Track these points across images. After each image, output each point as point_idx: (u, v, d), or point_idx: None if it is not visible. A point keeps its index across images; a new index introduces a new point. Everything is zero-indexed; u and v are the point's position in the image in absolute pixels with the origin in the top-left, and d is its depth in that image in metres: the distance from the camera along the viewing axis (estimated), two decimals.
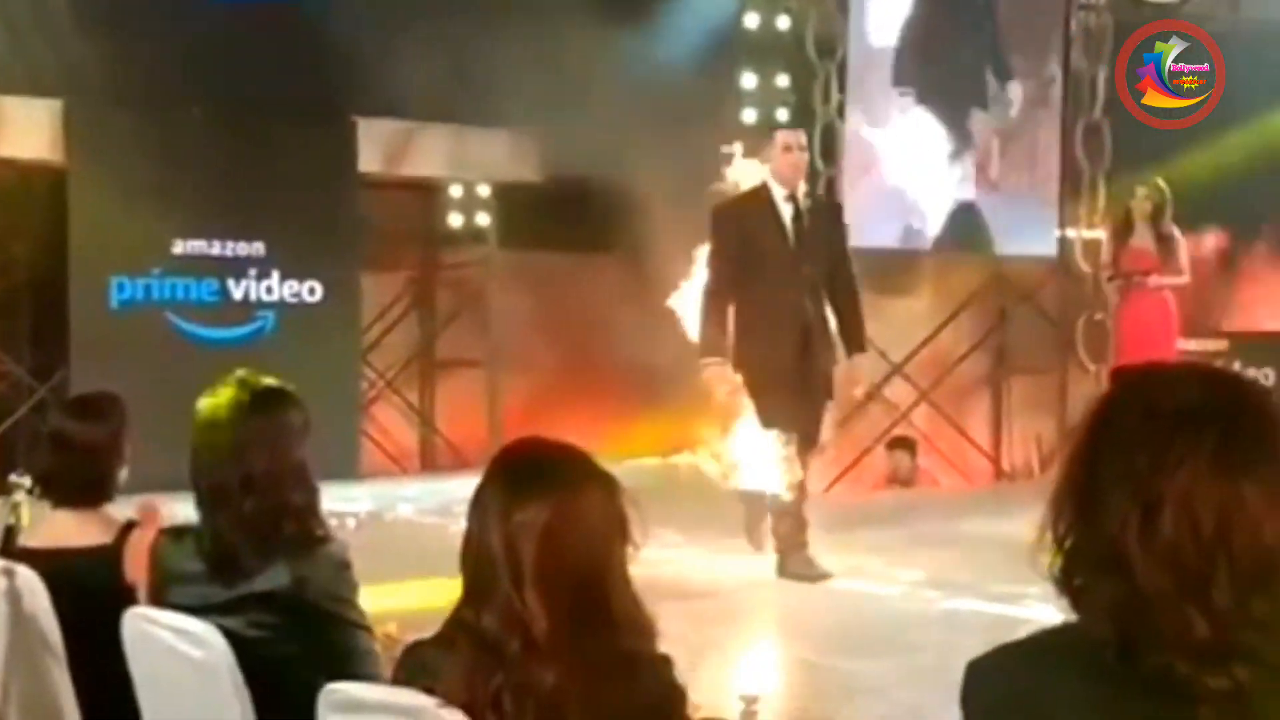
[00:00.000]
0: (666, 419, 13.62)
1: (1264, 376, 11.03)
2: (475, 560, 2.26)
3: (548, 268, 12.49)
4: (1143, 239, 10.15)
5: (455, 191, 12.57)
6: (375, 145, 11.60)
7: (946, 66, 11.40)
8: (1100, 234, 11.14)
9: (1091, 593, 1.63)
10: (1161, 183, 9.54)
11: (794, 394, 7.20)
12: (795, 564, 7.27)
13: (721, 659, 5.65)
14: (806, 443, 7.31)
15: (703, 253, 7.80)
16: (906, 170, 11.34)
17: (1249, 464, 1.58)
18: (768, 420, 7.25)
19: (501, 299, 12.41)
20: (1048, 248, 11.68)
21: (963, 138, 11.52)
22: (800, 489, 7.34)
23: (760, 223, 7.33)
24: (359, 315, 11.70)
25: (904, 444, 11.12)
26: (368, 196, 11.57)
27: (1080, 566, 1.64)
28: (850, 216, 11.16)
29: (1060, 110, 11.71)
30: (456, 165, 12.18)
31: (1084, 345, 11.31)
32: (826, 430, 7.51)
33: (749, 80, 11.26)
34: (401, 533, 8.98)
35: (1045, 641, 1.68)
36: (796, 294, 7.23)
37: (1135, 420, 1.64)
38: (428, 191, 12.56)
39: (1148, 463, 1.60)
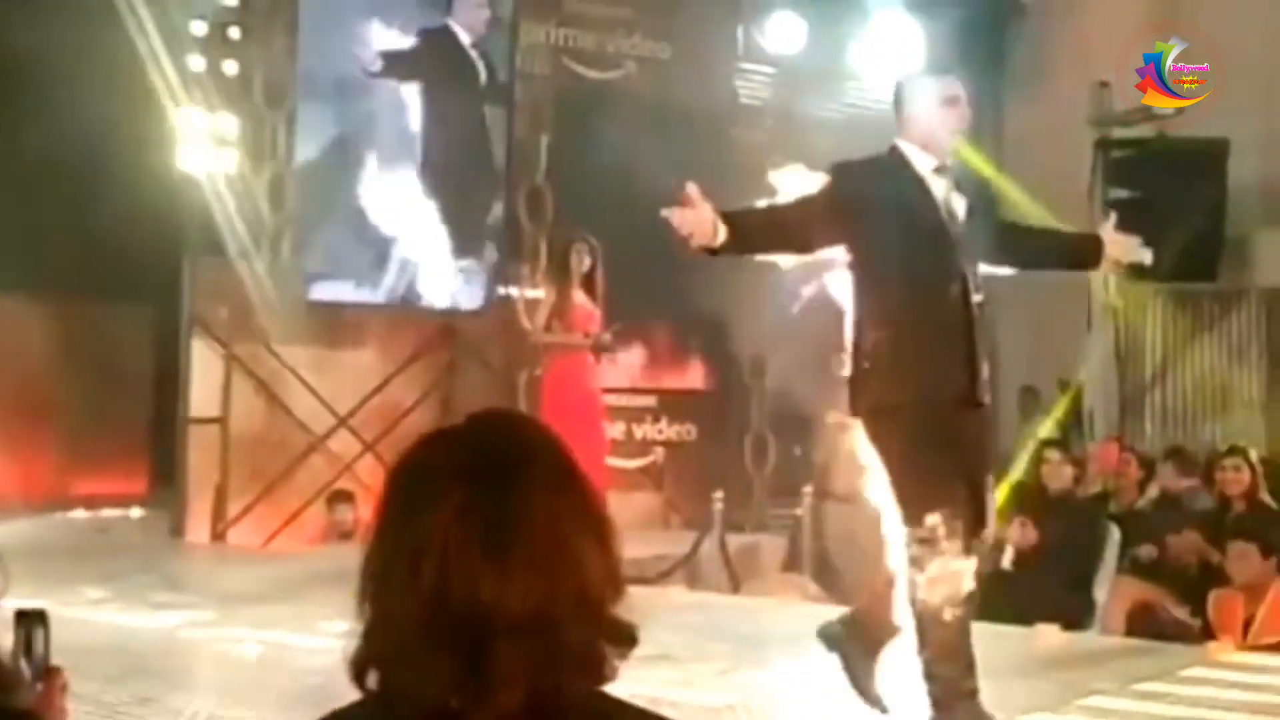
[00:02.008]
0: (102, 472, 13.00)
1: (687, 432, 11.69)
2: None
3: None
4: (582, 299, 10.46)
5: None
6: None
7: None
8: (541, 293, 11.50)
9: (367, 646, 1.59)
10: (593, 241, 9.85)
11: (960, 456, 4.87)
12: None
13: (130, 717, 5.43)
14: (973, 528, 4.87)
15: None
16: (365, 225, 11.49)
17: (486, 526, 1.54)
18: (925, 497, 4.76)
19: None
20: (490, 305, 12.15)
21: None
22: (970, 605, 4.87)
23: (907, 199, 4.93)
24: None
25: (344, 496, 11.08)
26: None
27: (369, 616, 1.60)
28: (307, 269, 11.22)
29: (504, 175, 12.23)
30: None
31: (525, 399, 11.63)
32: (992, 513, 5.05)
33: (195, 121, 10.96)
34: None
35: (366, 701, 1.61)
36: (963, 303, 4.92)
37: (407, 475, 1.62)
38: None
39: (399, 518, 1.58)
